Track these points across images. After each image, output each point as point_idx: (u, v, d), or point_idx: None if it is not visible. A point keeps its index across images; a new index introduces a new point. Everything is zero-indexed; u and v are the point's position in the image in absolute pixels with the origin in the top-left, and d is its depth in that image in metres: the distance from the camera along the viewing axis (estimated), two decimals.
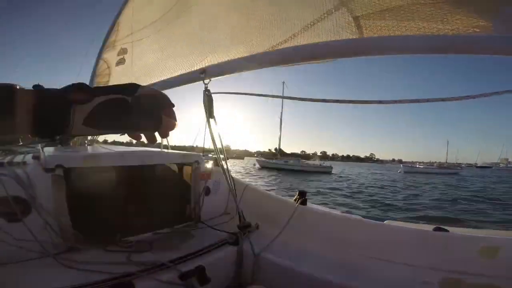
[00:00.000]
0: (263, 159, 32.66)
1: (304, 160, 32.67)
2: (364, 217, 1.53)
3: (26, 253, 0.97)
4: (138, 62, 1.62)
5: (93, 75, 1.88)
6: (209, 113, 1.09)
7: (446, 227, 1.30)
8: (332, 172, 27.16)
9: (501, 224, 6.36)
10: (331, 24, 0.81)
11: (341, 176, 21.51)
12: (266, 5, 1.07)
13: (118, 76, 1.76)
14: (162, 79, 1.40)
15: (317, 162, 31.89)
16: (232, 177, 1.73)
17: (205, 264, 1.09)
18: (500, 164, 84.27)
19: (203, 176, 1.66)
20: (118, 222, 1.28)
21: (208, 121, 1.10)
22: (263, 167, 29.00)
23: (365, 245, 1.22)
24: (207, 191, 1.67)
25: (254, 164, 31.67)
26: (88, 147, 2.07)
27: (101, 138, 2.22)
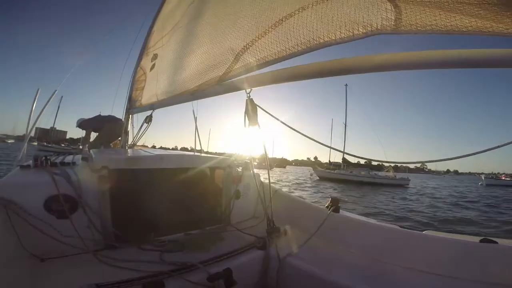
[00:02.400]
0: (320, 168, 31.74)
1: (375, 172, 29.92)
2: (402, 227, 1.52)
3: (69, 249, 1.17)
4: (165, 66, 1.87)
5: (133, 82, 2.25)
6: (252, 122, 1.29)
7: (494, 239, 1.29)
8: (408, 185, 25.26)
9: None
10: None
11: (414, 191, 19.51)
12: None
13: (151, 81, 2.06)
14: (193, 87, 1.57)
15: (391, 173, 28.99)
16: (261, 181, 1.84)
17: (232, 267, 1.19)
18: None
19: (234, 180, 1.83)
20: (153, 222, 1.50)
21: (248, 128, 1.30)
22: (322, 178, 28.05)
23: (402, 256, 1.23)
24: (238, 195, 1.82)
25: (311, 175, 30.76)
26: (129, 150, 2.47)
27: (139, 142, 2.60)
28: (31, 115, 1.99)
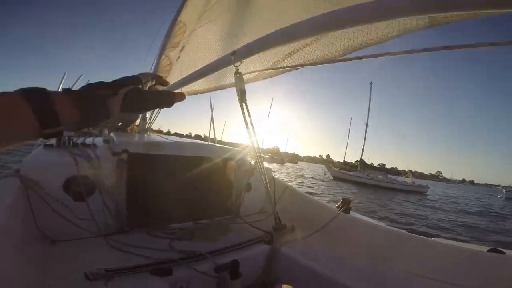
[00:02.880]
0: (335, 168, 31.14)
1: (392, 176, 29.09)
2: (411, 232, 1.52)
3: (81, 232, 1.19)
4: (185, 57, 1.88)
5: (156, 69, 2.29)
6: (240, 96, 1.13)
7: (503, 249, 1.29)
8: (427, 193, 24.72)
9: None
10: None
11: (433, 200, 19.91)
12: None
13: (175, 71, 2.08)
14: (198, 68, 1.57)
15: (409, 179, 28.38)
16: (273, 177, 1.84)
17: (239, 259, 1.20)
18: None
19: (247, 172, 1.84)
20: (165, 209, 1.54)
21: (241, 106, 1.15)
22: (336, 178, 27.55)
23: (409, 261, 1.24)
24: (249, 188, 1.84)
25: (325, 174, 30.33)
26: (145, 135, 2.48)
27: (164, 129, 2.66)
28: None
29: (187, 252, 1.18)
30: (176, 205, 1.58)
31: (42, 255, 1.02)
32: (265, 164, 1.83)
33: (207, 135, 2.61)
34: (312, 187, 17.39)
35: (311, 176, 29.19)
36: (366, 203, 13.28)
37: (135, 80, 0.52)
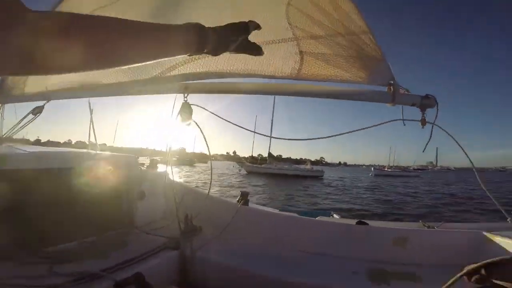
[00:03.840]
0: (248, 164, 34.54)
1: (295, 165, 35.42)
2: (302, 213, 1.85)
3: None
4: None
5: None
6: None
7: (366, 221, 1.63)
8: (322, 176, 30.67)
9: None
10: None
11: (329, 182, 25.35)
12: None
13: None
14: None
15: (308, 166, 35.07)
16: (172, 180, 1.82)
17: (145, 271, 1.11)
18: (429, 167, 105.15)
19: (137, 179, 1.72)
20: (38, 231, 1.29)
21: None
22: (250, 173, 30.33)
23: (299, 240, 1.42)
24: (141, 195, 1.72)
25: (240, 170, 32.53)
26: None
27: (32, 137, 2.18)
28: None
29: (75, 274, 1.03)
30: (53, 225, 1.35)
31: None
32: (174, 168, 1.79)
33: (95, 141, 2.29)
34: (231, 183, 18.74)
35: (226, 172, 30.80)
36: (277, 191, 14.94)
37: (248, 28, 0.71)
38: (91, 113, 2.25)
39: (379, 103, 1.18)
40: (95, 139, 2.32)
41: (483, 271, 0.61)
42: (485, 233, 1.22)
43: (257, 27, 0.73)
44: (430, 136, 1.26)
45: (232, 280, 1.27)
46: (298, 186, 18.81)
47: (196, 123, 1.28)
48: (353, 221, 1.68)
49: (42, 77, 1.62)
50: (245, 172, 30.69)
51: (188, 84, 1.25)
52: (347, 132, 1.37)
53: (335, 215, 3.84)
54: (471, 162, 1.28)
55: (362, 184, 23.88)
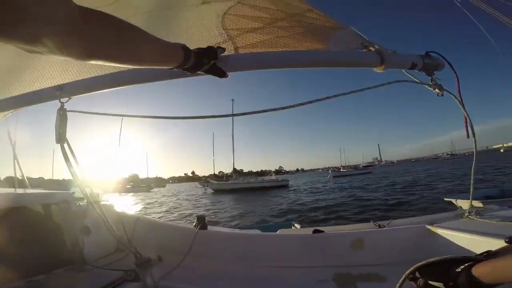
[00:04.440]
0: (213, 182, 33.24)
1: (261, 177, 35.05)
2: (265, 228, 1.84)
3: None
4: None
5: None
6: (60, 135, 1.03)
7: (321, 228, 1.65)
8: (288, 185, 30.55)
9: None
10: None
11: (295, 188, 25.81)
12: None
13: None
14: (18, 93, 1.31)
15: (273, 177, 35.15)
16: (117, 211, 1.70)
17: None
18: (375, 163, 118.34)
19: (77, 215, 1.63)
20: None
21: (62, 146, 1.02)
22: (217, 191, 28.91)
23: (262, 257, 1.41)
24: (87, 231, 1.63)
25: (205, 190, 30.99)
26: None
27: None
28: None
29: None
30: None
31: None
32: (129, 195, 1.66)
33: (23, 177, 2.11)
34: (202, 204, 17.78)
35: (193, 193, 29.33)
36: (249, 206, 14.73)
37: (216, 53, 0.84)
38: (13, 147, 1.97)
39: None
40: (23, 175, 2.08)
41: (417, 274, 0.63)
42: (428, 227, 1.26)
43: (223, 51, 0.87)
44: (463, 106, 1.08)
45: None
46: (267, 197, 18.72)
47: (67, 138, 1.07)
48: (309, 230, 1.68)
49: None
50: (211, 191, 29.23)
51: (63, 85, 1.12)
52: (349, 93, 1.12)
53: (296, 225, 3.85)
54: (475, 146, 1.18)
55: (325, 186, 24.82)
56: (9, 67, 1.43)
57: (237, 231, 1.89)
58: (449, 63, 1.05)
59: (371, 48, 1.02)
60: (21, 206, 1.46)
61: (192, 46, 0.81)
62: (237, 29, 1.21)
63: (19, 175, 2.13)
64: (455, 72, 1.06)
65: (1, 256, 1.30)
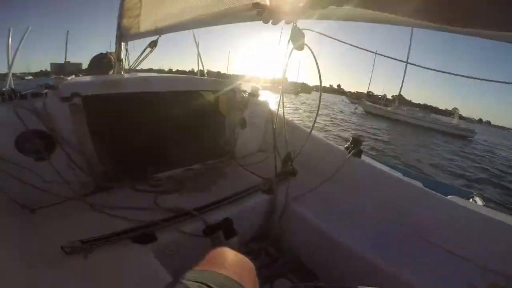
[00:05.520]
0: (368, 102, 27.87)
1: (435, 115, 24.97)
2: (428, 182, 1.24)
3: (54, 197, 1.03)
4: None
5: (121, 10, 1.89)
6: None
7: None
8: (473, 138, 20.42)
9: None
10: None
11: (486, 148, 16.80)
12: None
13: (150, 8, 1.76)
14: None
15: (455, 121, 22.63)
16: (270, 110, 1.70)
17: (233, 214, 1.09)
18: None
19: (239, 106, 1.64)
20: (147, 157, 1.38)
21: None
22: (369, 113, 25.21)
23: (420, 222, 1.11)
24: (243, 123, 1.66)
25: (356, 108, 27.51)
26: (117, 74, 2.26)
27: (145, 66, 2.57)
28: (10, 52, 2.34)
29: (173, 210, 1.07)
30: (160, 151, 1.43)
31: (19, 227, 0.93)
32: (275, 96, 1.67)
33: (194, 69, 2.82)
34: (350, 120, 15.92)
35: (341, 108, 27.27)
36: (410, 145, 11.36)
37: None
38: (197, 45, 2.56)
39: None
40: (203, 67, 2.64)
41: None
42: None
43: None
44: None
45: (317, 242, 1.12)
46: (439, 144, 13.63)
47: (308, 46, 1.06)
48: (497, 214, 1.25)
49: (151, 16, 1.75)
50: (363, 112, 25.86)
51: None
52: None
53: (477, 199, 2.79)
54: None
55: None
56: None
57: (397, 174, 1.58)
58: None
59: None
60: (194, 91, 1.58)
61: None
62: None
63: (201, 68, 2.66)
64: None
65: (168, 142, 1.48)
